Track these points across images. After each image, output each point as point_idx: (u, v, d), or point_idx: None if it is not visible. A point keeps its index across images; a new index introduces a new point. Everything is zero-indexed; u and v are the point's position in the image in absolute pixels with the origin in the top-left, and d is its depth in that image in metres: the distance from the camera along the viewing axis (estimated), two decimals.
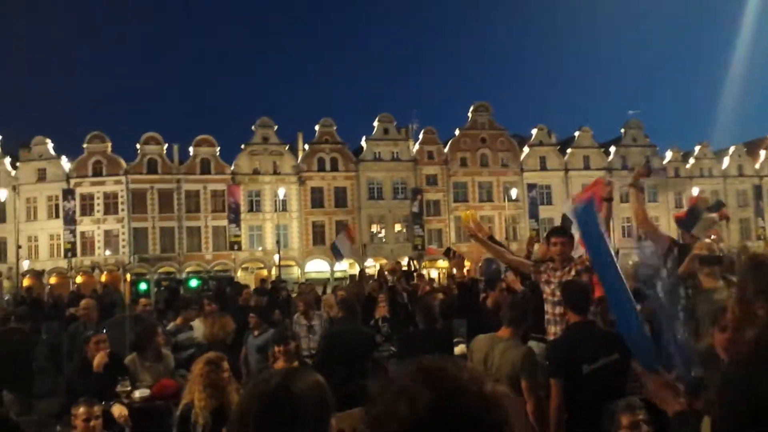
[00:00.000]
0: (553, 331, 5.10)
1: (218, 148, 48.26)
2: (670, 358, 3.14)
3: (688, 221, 5.64)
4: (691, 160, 53.90)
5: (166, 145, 47.49)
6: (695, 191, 50.07)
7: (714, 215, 5.48)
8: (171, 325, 8.25)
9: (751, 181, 53.34)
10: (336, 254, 15.87)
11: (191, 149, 47.81)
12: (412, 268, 13.57)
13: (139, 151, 47.11)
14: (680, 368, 3.03)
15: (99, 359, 5.86)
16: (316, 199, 48.82)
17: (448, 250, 13.22)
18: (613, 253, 3.69)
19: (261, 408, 1.38)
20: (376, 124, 50.49)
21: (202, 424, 4.21)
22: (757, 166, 54.30)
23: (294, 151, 49.66)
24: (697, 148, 54.73)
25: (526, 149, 51.92)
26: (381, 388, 1.03)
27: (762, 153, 54.53)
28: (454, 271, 10.35)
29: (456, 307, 7.67)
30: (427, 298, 9.15)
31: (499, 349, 4.38)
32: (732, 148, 54.88)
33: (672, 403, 2.42)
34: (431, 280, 25.07)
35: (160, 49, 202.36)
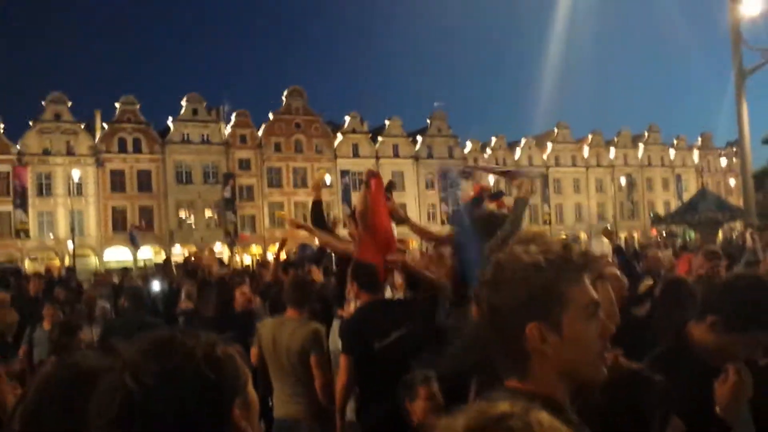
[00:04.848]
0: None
1: (2, 125, 43.42)
2: None
3: (471, 207, 5.82)
4: (488, 151, 58.30)
5: None
6: (491, 180, 54.20)
7: (492, 204, 5.72)
8: None
9: (539, 170, 58.89)
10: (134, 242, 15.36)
11: None
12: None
13: None
14: None
15: None
16: (117, 182, 45.61)
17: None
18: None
19: (52, 393, 1.31)
20: (184, 104, 48.19)
21: None
22: (545, 157, 60.20)
23: (91, 130, 45.98)
24: (493, 140, 59.31)
25: (339, 136, 52.64)
26: (109, 363, 1.05)
27: (549, 145, 60.59)
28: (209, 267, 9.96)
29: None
30: (133, 284, 8.79)
31: (287, 330, 4.45)
32: (523, 140, 60.30)
33: None
34: (245, 267, 24.49)
35: None
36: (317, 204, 6.07)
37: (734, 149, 50.40)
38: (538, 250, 1.25)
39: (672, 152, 66.41)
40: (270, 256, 39.58)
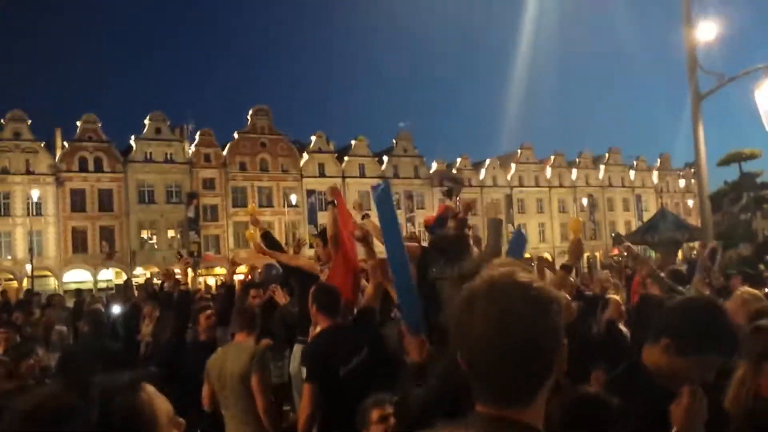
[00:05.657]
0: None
1: None
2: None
3: (435, 227, 5.93)
4: (454, 171, 58.75)
5: None
6: (456, 199, 54.46)
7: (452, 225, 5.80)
8: None
9: (503, 190, 59.62)
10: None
11: None
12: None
13: None
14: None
15: None
16: (77, 202, 44.50)
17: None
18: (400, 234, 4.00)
19: None
20: (147, 122, 47.50)
21: None
22: (509, 177, 60.90)
23: (51, 148, 44.91)
24: (458, 160, 59.86)
25: (305, 156, 52.52)
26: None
27: (513, 166, 61.33)
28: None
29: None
30: (94, 308, 8.48)
31: (231, 354, 4.41)
32: (488, 161, 60.93)
33: (415, 357, 3.11)
34: (207, 287, 24.06)
35: None
36: (266, 234, 6.13)
37: (692, 170, 51.74)
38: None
39: (632, 173, 67.86)
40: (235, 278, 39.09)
